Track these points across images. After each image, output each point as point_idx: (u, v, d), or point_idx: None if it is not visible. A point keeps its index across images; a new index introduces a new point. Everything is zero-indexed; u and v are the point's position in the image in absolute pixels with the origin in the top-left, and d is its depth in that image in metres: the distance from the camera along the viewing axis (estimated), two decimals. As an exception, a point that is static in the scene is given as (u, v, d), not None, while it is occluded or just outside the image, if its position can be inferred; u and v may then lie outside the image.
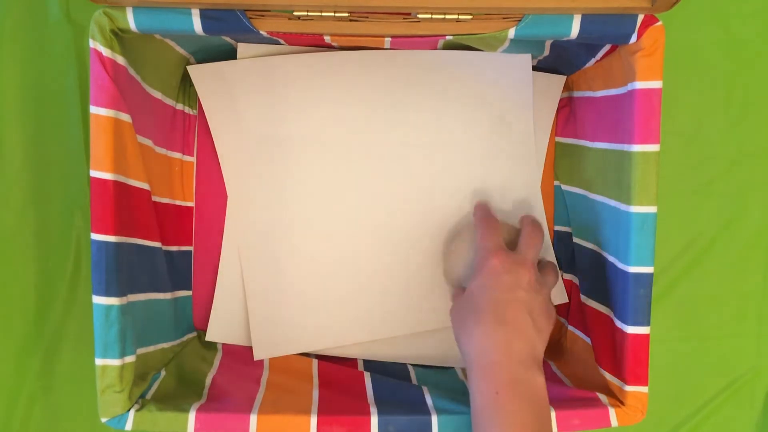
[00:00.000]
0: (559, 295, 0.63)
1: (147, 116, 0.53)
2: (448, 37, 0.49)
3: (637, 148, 0.48)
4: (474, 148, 0.61)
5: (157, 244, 0.55)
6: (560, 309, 0.63)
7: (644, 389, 0.49)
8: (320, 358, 0.61)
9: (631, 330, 0.49)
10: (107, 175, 0.47)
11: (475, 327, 0.48)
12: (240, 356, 0.60)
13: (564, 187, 0.63)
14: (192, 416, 0.48)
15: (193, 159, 0.63)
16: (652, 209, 0.48)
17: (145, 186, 0.53)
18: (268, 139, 0.60)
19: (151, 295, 0.54)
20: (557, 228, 0.64)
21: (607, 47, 0.51)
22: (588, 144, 0.58)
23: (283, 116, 0.60)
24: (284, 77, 0.59)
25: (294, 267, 0.61)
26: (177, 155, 0.61)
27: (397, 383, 0.56)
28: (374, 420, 0.48)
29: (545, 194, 0.63)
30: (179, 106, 0.61)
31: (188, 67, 0.59)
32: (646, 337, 0.49)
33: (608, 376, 0.52)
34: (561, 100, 0.63)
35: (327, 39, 0.52)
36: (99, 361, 0.47)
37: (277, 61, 0.59)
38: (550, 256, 0.63)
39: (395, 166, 0.61)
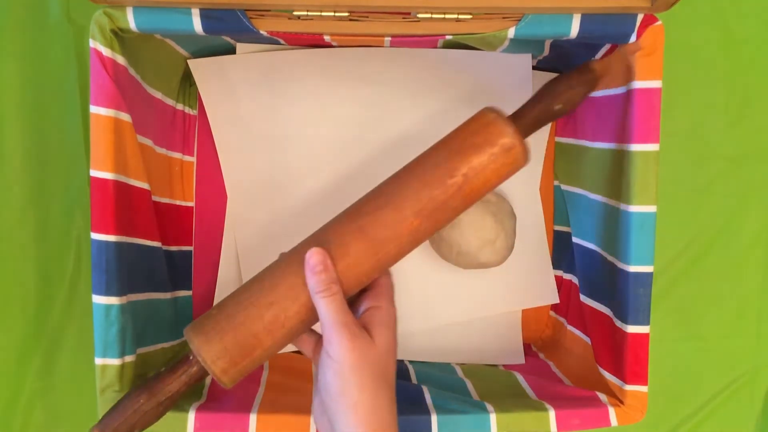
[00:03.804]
0: (550, 295, 0.63)
1: (147, 116, 0.53)
2: (447, 37, 0.49)
3: (636, 147, 0.48)
4: (474, 148, 0.61)
5: (157, 244, 0.55)
6: (560, 308, 0.63)
7: (644, 389, 0.49)
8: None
9: (630, 329, 0.49)
10: (107, 175, 0.47)
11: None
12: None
13: (563, 187, 0.63)
14: (192, 416, 0.48)
15: (193, 159, 0.63)
16: (651, 209, 0.48)
17: (145, 186, 0.53)
18: (267, 135, 0.60)
19: (151, 294, 0.54)
20: (557, 228, 0.64)
21: (607, 47, 0.51)
22: (587, 144, 0.58)
23: (283, 111, 0.60)
24: (284, 72, 0.59)
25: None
26: (177, 155, 0.61)
27: (396, 383, 0.56)
28: (374, 419, 0.48)
29: (545, 194, 0.63)
30: (179, 106, 0.61)
31: (189, 61, 0.59)
32: (646, 336, 0.49)
33: (608, 375, 0.52)
34: (561, 100, 0.63)
35: (327, 39, 0.52)
36: (99, 361, 0.47)
37: (277, 56, 0.59)
38: (547, 256, 0.63)
39: (394, 164, 0.61)
